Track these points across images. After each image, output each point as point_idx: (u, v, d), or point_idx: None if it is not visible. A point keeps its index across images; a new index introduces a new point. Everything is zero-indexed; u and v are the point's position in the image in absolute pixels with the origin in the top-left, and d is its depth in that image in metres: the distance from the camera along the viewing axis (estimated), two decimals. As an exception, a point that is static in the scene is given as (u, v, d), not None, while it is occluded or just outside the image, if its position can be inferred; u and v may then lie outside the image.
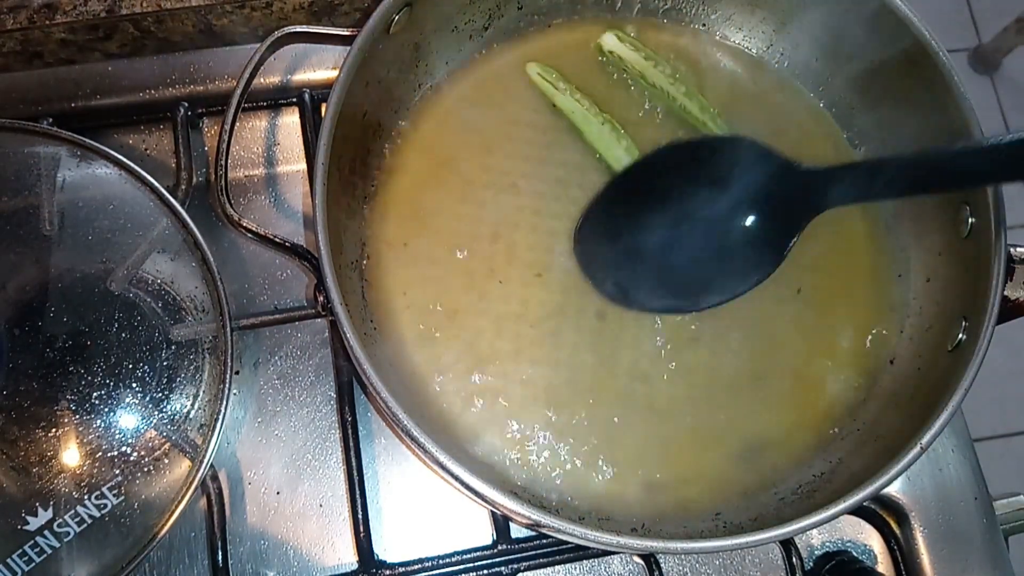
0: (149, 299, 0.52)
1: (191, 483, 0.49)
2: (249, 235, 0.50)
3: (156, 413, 0.50)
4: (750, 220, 0.52)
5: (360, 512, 0.53)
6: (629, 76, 0.58)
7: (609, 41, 0.58)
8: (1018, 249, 0.49)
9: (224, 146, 0.50)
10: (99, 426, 0.49)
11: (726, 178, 0.52)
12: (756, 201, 0.52)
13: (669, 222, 0.54)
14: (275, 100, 0.62)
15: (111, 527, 0.48)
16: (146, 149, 0.61)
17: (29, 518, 0.47)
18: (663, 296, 0.53)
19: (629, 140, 0.56)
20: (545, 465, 0.51)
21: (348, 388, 0.56)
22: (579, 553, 0.54)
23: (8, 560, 0.46)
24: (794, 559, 0.54)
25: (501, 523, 0.54)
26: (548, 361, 0.53)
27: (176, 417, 0.50)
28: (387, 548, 0.54)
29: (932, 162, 0.48)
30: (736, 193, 0.52)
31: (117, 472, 0.49)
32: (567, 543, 0.50)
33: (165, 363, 0.51)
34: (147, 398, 0.50)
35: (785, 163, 0.51)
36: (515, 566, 0.53)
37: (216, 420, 0.50)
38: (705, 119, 0.57)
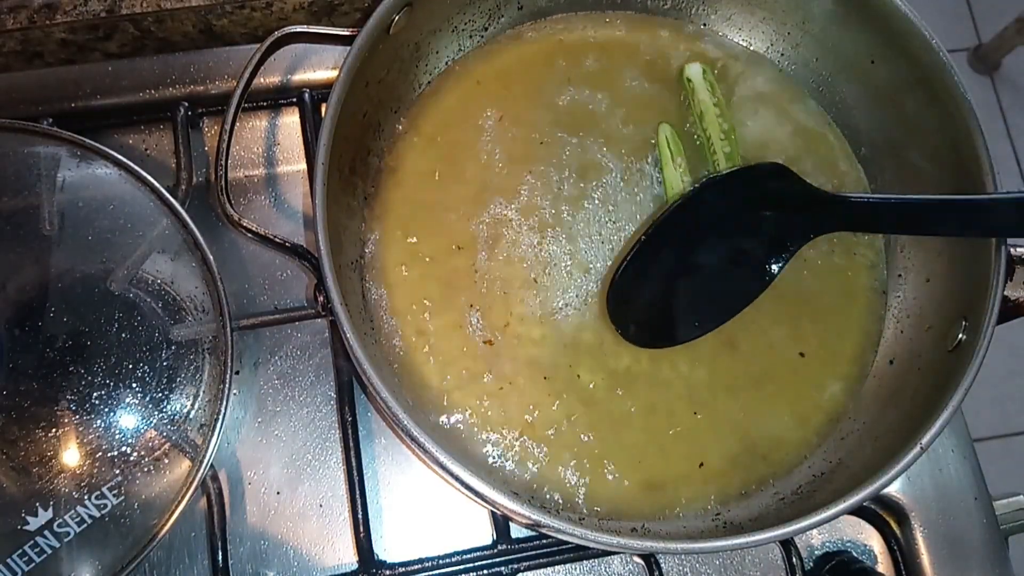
0: (149, 299, 0.52)
1: (191, 483, 0.49)
2: (249, 235, 0.50)
3: (156, 413, 0.50)
4: (764, 236, 0.55)
5: (360, 512, 0.53)
6: (691, 109, 0.59)
7: (693, 71, 0.59)
8: (1018, 249, 0.49)
9: (224, 146, 0.50)
10: (99, 426, 0.49)
11: (756, 204, 0.55)
12: (771, 217, 0.55)
13: (706, 256, 0.55)
14: (275, 100, 0.62)
15: (111, 527, 0.48)
16: (146, 149, 0.61)
17: (29, 518, 0.47)
18: (690, 327, 0.54)
19: None
20: (545, 465, 0.51)
21: (348, 388, 0.56)
22: (579, 553, 0.54)
23: (8, 560, 0.46)
24: (794, 559, 0.54)
25: (501, 523, 0.54)
26: (548, 362, 0.53)
27: (176, 417, 0.50)
28: (387, 548, 0.54)
29: (950, 208, 0.49)
30: (762, 216, 0.55)
31: (117, 472, 0.49)
32: (567, 543, 0.50)
33: (165, 363, 0.51)
34: (147, 398, 0.50)
35: (801, 183, 0.54)
36: (515, 566, 0.53)
37: (216, 420, 0.50)
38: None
